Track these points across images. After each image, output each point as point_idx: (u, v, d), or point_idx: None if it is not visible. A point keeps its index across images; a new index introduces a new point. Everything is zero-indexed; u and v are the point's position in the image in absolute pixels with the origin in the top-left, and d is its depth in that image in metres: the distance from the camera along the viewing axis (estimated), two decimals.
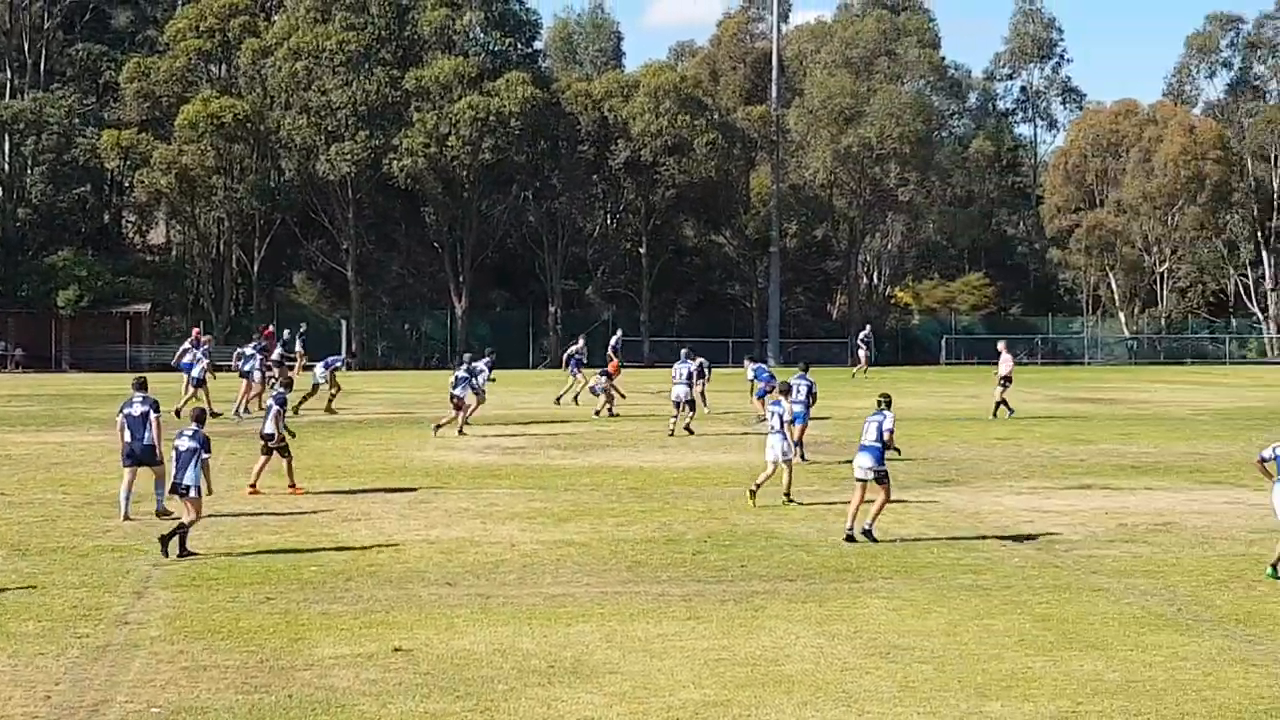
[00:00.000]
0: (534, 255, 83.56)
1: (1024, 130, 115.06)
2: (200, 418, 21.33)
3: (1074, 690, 13.42)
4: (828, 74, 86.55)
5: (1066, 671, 14.05)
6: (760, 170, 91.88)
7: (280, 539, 21.28)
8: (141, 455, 22.67)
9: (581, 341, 47.78)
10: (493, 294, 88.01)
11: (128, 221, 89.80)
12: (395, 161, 75.27)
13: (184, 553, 19.68)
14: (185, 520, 20.04)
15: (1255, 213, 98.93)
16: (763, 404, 41.49)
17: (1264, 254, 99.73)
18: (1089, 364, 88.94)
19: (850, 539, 20.91)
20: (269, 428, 25.63)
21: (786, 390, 26.46)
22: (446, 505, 24.52)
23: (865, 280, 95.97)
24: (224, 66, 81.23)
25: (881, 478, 21.02)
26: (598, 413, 42.16)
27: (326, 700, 13.15)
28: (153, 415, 22.69)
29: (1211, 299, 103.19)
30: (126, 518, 22.71)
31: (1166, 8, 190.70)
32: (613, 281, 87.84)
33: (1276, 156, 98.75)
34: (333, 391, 42.29)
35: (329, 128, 76.29)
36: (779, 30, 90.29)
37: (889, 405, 21.61)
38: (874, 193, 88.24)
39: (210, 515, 22.37)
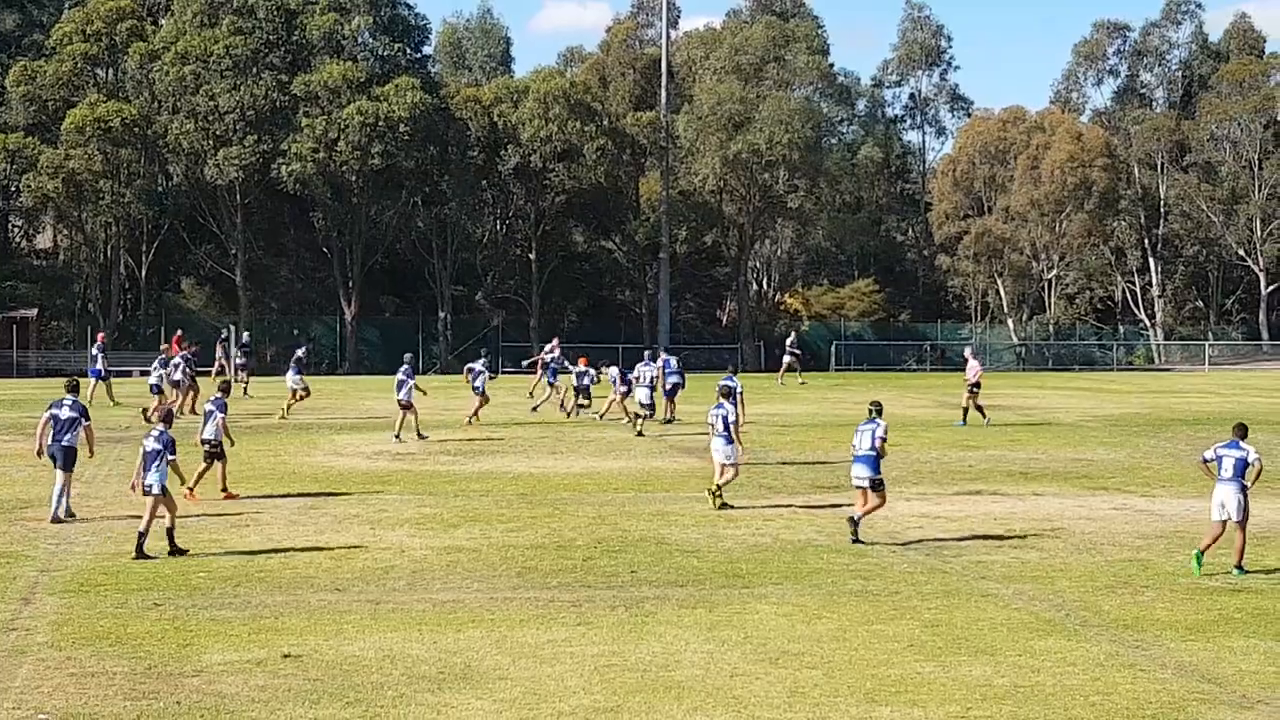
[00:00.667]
0: (423, 261, 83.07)
1: (913, 137, 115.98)
2: (168, 418, 21.53)
3: (963, 695, 13.45)
4: (717, 80, 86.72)
5: (955, 677, 14.08)
6: (650, 176, 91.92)
7: (168, 544, 20.93)
8: (59, 457, 22.83)
9: (555, 343, 48.10)
10: (382, 299, 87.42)
11: (14, 226, 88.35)
12: (284, 166, 74.54)
13: (176, 552, 20.00)
14: (165, 522, 20.23)
15: (1142, 220, 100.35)
16: (672, 403, 41.99)
17: (1151, 261, 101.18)
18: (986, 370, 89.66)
19: (856, 540, 21.25)
20: (209, 433, 25.55)
21: (728, 393, 26.29)
22: (336, 511, 24.28)
23: (755, 286, 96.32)
24: (111, 70, 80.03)
25: (876, 485, 21.42)
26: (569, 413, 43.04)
27: (215, 707, 12.97)
28: (83, 422, 23.03)
29: (1099, 306, 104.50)
30: (58, 519, 22.73)
31: (1054, 16, 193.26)
32: (502, 287, 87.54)
33: (1162, 164, 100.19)
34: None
35: (217, 132, 75.42)
36: (668, 36, 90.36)
37: (880, 413, 21.93)
38: (763, 199, 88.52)
39: (101, 518, 22.02)
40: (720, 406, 25.23)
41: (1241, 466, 19.42)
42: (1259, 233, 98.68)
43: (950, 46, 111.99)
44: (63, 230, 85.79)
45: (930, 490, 27.50)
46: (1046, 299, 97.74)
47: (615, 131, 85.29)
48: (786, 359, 62.58)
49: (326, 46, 77.84)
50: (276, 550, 20.55)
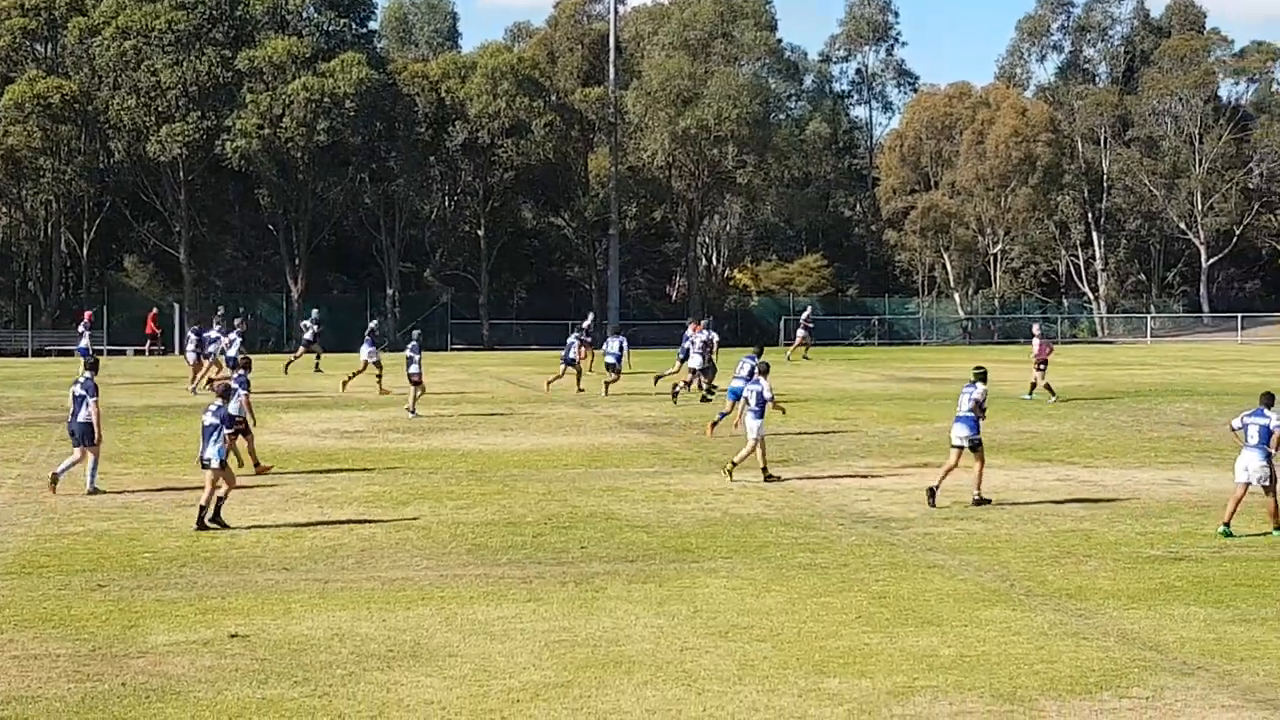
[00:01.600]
0: (371, 238, 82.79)
1: (860, 112, 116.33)
2: (226, 393, 21.89)
3: (910, 666, 13.58)
4: (665, 56, 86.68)
5: (902, 647, 14.21)
6: (599, 152, 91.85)
7: (113, 525, 20.89)
8: (77, 433, 23.68)
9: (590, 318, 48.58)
10: (329, 277, 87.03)
11: None
12: (228, 143, 74.10)
13: (215, 523, 20.37)
14: (219, 493, 20.57)
15: (1085, 194, 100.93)
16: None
17: (1094, 235, 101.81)
18: (925, 344, 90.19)
19: (931, 495, 22.31)
20: (232, 409, 25.14)
21: (764, 370, 26.48)
22: (283, 490, 24.23)
23: (704, 262, 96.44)
24: (50, 46, 79.37)
25: (975, 445, 22.43)
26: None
27: (161, 688, 12.93)
28: (90, 400, 23.57)
29: (1044, 279, 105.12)
30: (95, 490, 23.49)
31: None
32: (451, 264, 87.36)
33: (1105, 139, 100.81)
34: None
35: (159, 108, 74.91)
36: (616, 12, 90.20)
37: (984, 378, 23.24)
38: (712, 174, 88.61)
39: (43, 498, 21.90)
40: (756, 382, 25.69)
41: (1266, 434, 20.06)
42: (1199, 206, 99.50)
43: (897, 22, 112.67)
44: (2, 208, 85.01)
45: (878, 464, 27.67)
46: (992, 273, 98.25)
47: (564, 107, 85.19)
48: (800, 333, 62.82)
49: (271, 21, 77.39)
50: (223, 530, 20.49)
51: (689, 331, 43.43)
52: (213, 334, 46.06)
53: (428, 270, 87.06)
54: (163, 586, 16.94)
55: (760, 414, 25.21)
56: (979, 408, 22.75)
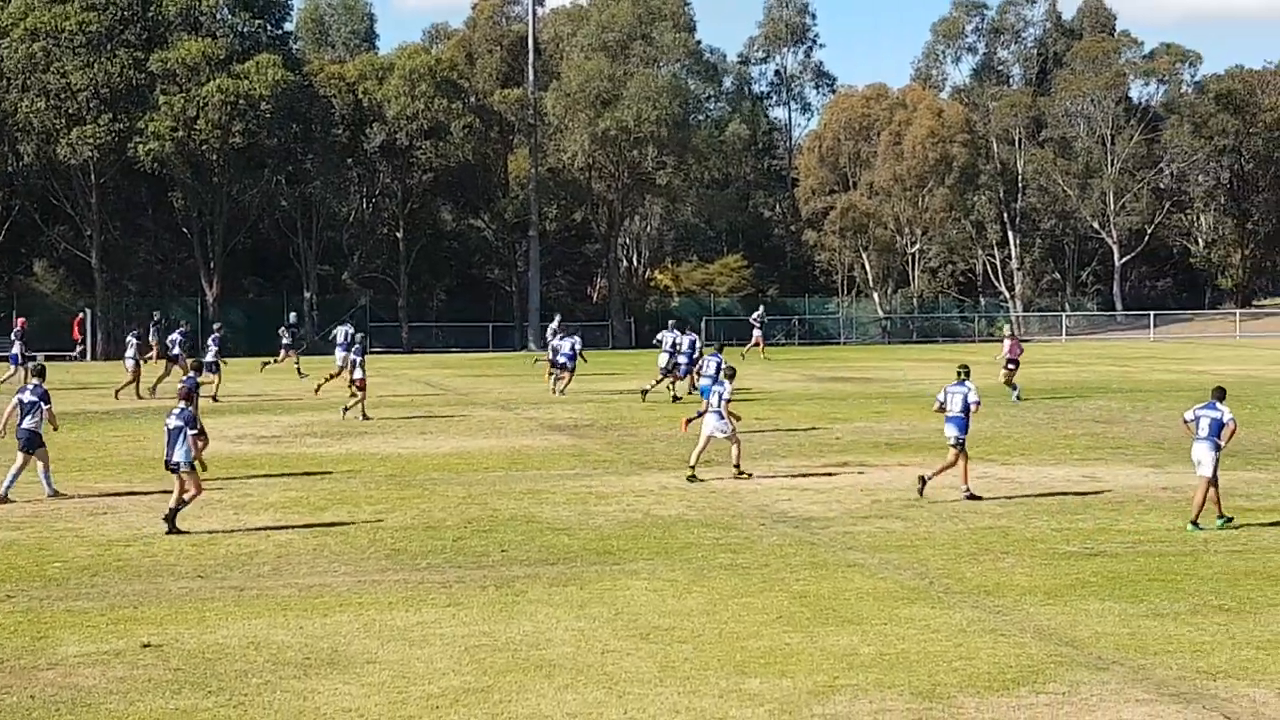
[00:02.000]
0: (288, 240, 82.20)
1: (779, 114, 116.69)
2: (189, 395, 21.85)
3: (830, 665, 13.61)
4: (584, 57, 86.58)
5: (823, 647, 14.24)
6: (518, 153, 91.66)
7: (22, 534, 20.63)
8: (22, 440, 23.61)
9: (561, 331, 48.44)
10: (245, 280, 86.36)
11: None
12: (141, 145, 73.28)
13: (172, 529, 20.32)
14: (184, 496, 20.65)
15: (1001, 194, 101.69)
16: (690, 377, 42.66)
17: (1010, 234, 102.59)
18: (845, 343, 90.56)
19: (973, 497, 23.07)
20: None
21: (731, 374, 27.23)
22: (197, 497, 23.97)
23: (625, 263, 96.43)
24: None
25: (958, 445, 23.15)
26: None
27: (71, 700, 12.76)
28: (43, 406, 23.69)
29: (961, 278, 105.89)
30: (5, 500, 23.40)
31: None
32: (369, 266, 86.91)
33: (1020, 139, 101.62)
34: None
35: (70, 110, 73.95)
36: (535, 13, 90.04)
37: (968, 376, 24.17)
38: (632, 176, 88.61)
39: None
40: (720, 384, 26.29)
41: (1217, 426, 20.79)
42: (1112, 206, 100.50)
43: (815, 24, 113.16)
44: None
45: (799, 463, 27.74)
46: (910, 272, 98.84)
47: (483, 109, 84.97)
48: (757, 333, 63.21)
49: (184, 23, 76.61)
50: (136, 538, 20.27)
51: (674, 336, 43.48)
52: (176, 336, 47.64)
53: (345, 273, 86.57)
54: (73, 596, 16.73)
55: (720, 412, 25.73)
56: (974, 407, 23.69)
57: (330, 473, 26.76)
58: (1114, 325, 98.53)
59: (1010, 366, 42.50)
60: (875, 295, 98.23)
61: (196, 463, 20.90)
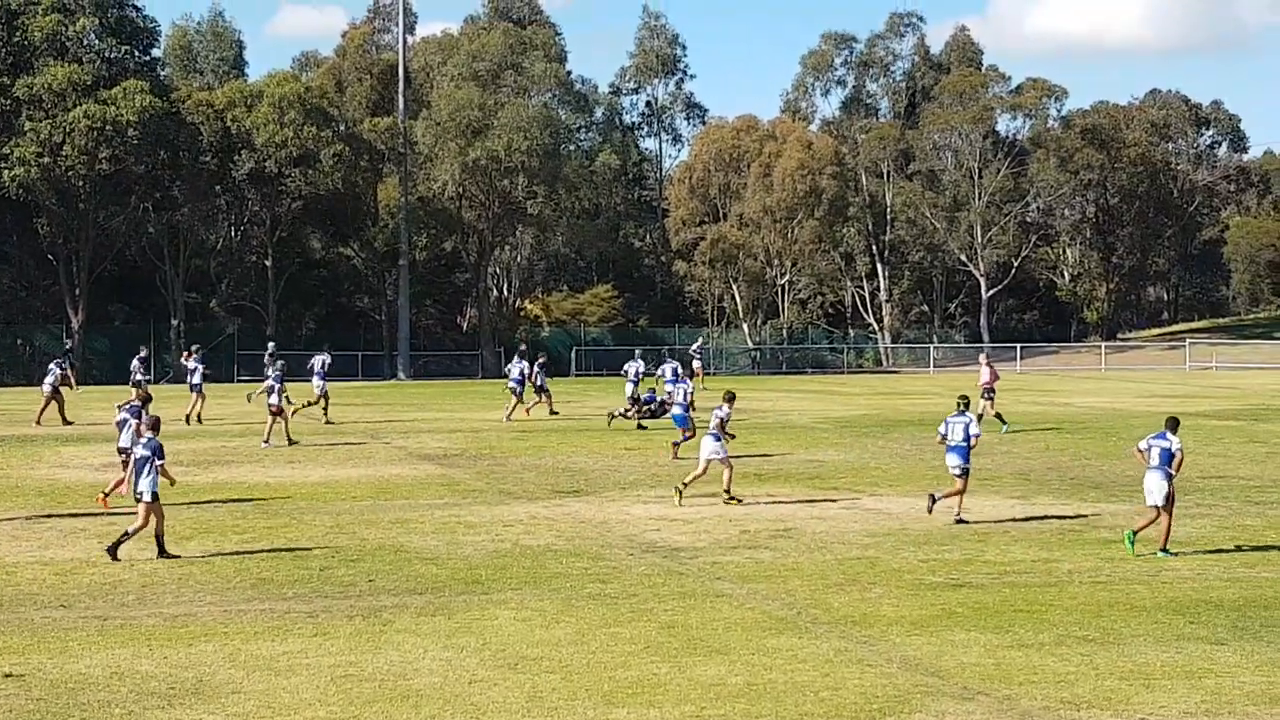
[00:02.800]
0: (155, 268, 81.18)
1: (650, 144, 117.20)
2: (155, 425, 21.77)
3: (698, 695, 13.64)
4: (455, 87, 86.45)
5: (691, 677, 14.27)
6: (388, 182, 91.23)
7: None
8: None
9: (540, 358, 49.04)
10: (111, 307, 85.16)
11: None
12: (6, 171, 72.09)
13: (163, 554, 20.47)
14: (133, 526, 20.56)
15: (870, 226, 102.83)
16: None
17: (879, 266, 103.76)
18: (714, 374, 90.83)
19: (933, 501, 24.05)
20: (124, 441, 25.74)
21: (730, 398, 28.27)
22: (62, 525, 23.61)
23: (495, 292, 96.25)
24: None
25: (963, 473, 23.90)
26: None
27: None
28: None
29: (830, 310, 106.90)
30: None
31: (784, 27, 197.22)
32: (238, 294, 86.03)
33: (889, 172, 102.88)
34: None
35: None
36: (405, 42, 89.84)
37: (968, 407, 25.02)
38: (503, 205, 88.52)
39: None
40: (720, 408, 27.36)
41: (1167, 456, 21.41)
42: (979, 239, 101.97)
43: (685, 56, 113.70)
44: None
45: (668, 494, 27.76)
46: (780, 304, 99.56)
47: (352, 137, 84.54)
48: (697, 364, 62.99)
49: (51, 48, 75.49)
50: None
51: (637, 366, 46.74)
52: (191, 364, 46.60)
53: (214, 300, 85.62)
54: None
55: (718, 435, 26.60)
56: (976, 440, 24.31)
57: (196, 502, 26.40)
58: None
59: (988, 396, 42.56)
60: (745, 326, 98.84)
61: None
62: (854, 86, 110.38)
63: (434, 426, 42.52)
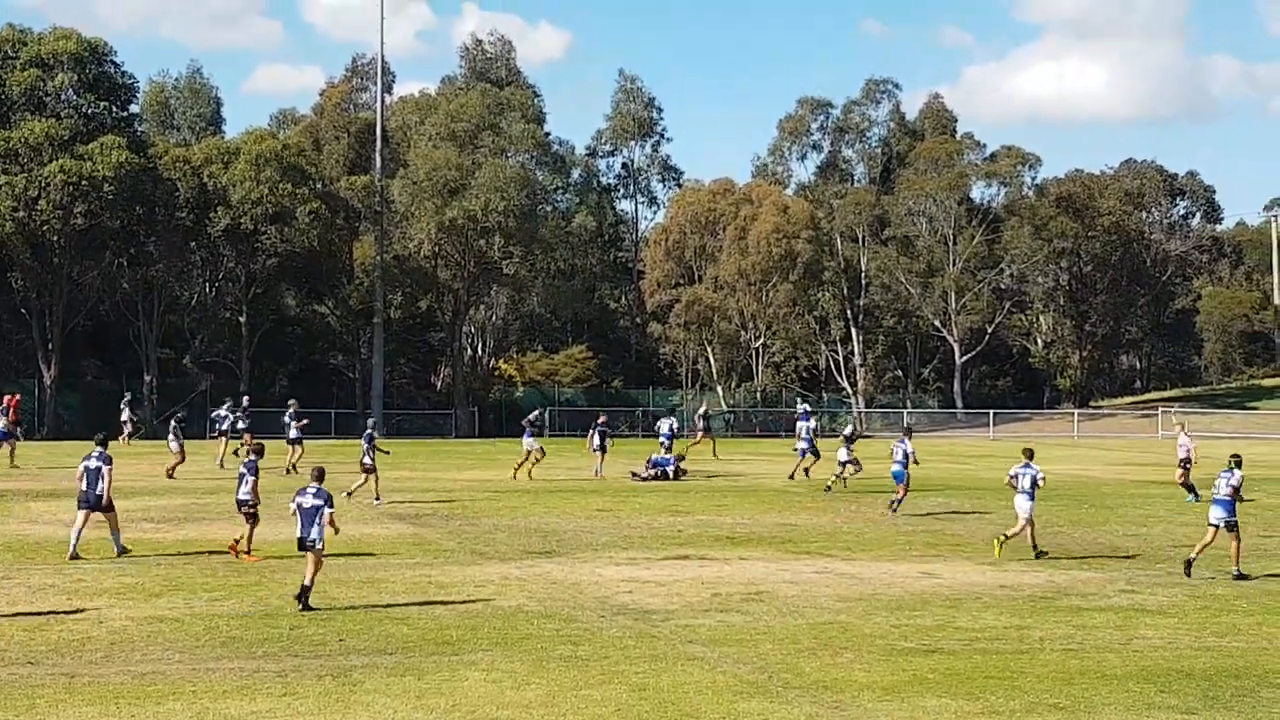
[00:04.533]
0: (128, 323, 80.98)
1: (626, 206, 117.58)
2: (321, 475, 22.26)
3: None
4: (432, 146, 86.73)
5: None
6: (364, 240, 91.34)
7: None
8: (93, 503, 26.51)
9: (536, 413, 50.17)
10: (84, 362, 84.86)
11: None
12: None
13: (305, 607, 20.80)
14: (307, 575, 21.17)
15: (844, 290, 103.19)
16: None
17: (853, 330, 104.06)
18: (687, 436, 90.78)
19: (1188, 566, 25.64)
20: (243, 494, 26.42)
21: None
22: (30, 581, 23.44)
23: (470, 352, 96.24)
24: None
25: (1231, 525, 25.38)
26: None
27: None
28: (105, 469, 26.52)
29: (804, 373, 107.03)
30: (74, 556, 25.94)
31: (761, 92, 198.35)
32: (211, 350, 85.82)
33: (863, 237, 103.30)
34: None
35: None
36: (383, 101, 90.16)
37: (1240, 465, 26.40)
38: (478, 265, 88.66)
39: None
40: (1029, 466, 28.67)
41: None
42: (953, 305, 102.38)
43: (661, 119, 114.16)
44: None
45: (640, 555, 27.73)
46: (754, 367, 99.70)
47: (329, 195, 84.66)
48: (700, 431, 62.33)
49: (28, 103, 75.54)
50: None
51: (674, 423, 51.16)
52: (222, 412, 50.41)
53: (187, 356, 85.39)
54: None
55: (1031, 496, 28.13)
56: (1236, 492, 25.72)
57: (166, 558, 26.27)
58: (954, 423, 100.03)
59: (1185, 466, 41.18)
60: (719, 388, 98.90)
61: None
62: (830, 151, 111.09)
63: (406, 485, 42.40)
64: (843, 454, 42.71)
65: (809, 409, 51.75)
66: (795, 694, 16.32)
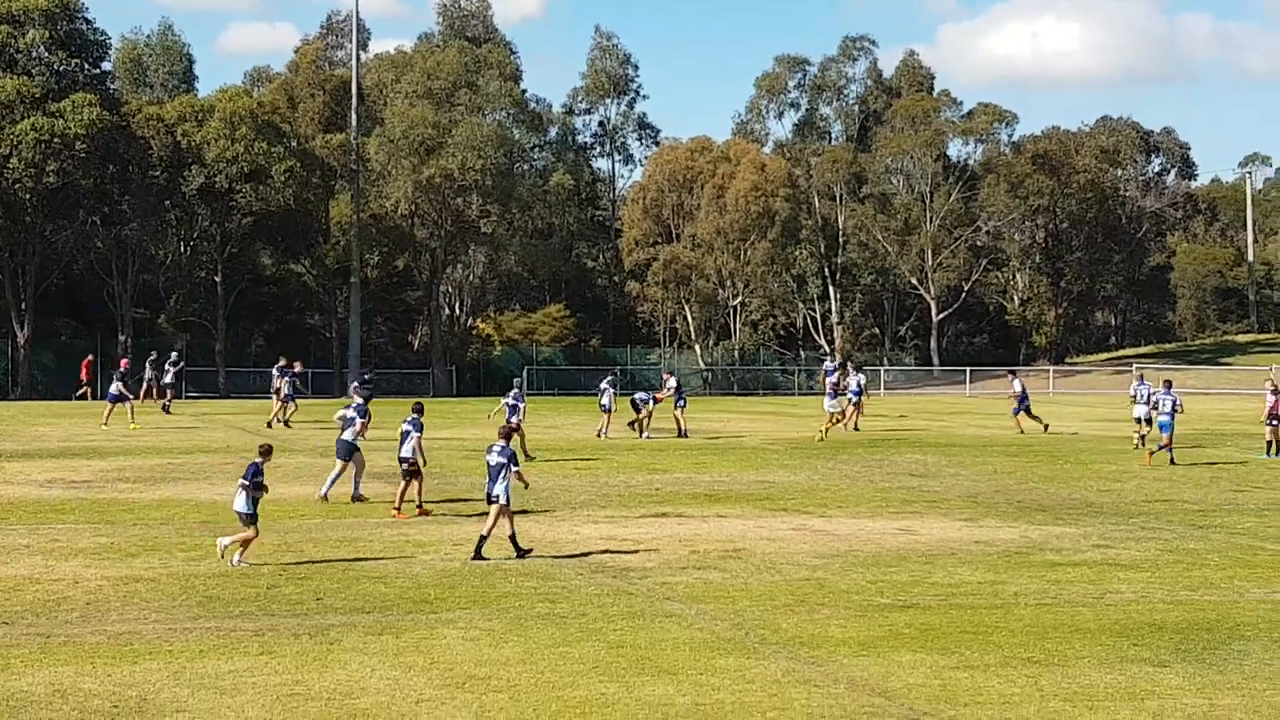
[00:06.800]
0: (102, 283, 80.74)
1: (603, 164, 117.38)
2: (509, 435, 23.26)
3: (645, 715, 13.63)
4: (409, 104, 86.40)
5: (639, 697, 14.26)
6: (340, 199, 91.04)
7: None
8: (342, 450, 28.73)
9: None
10: (58, 322, 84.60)
11: None
12: None
13: (477, 556, 21.76)
14: (485, 529, 22.04)
15: (822, 249, 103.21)
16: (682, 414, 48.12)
17: (830, 289, 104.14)
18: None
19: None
20: (406, 451, 26.95)
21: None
22: (5, 541, 23.41)
23: (447, 311, 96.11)
24: None
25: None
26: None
27: None
28: (359, 420, 28.77)
29: (782, 332, 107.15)
30: (324, 498, 28.45)
31: (738, 49, 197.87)
32: (187, 310, 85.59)
33: (841, 195, 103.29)
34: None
35: None
36: (358, 58, 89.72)
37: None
38: (455, 224, 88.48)
39: None
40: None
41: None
42: (930, 262, 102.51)
43: (637, 76, 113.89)
44: None
45: (618, 513, 27.79)
46: (732, 325, 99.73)
47: (304, 153, 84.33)
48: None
49: None
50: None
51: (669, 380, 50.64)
52: (275, 372, 51.23)
53: (162, 316, 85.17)
54: None
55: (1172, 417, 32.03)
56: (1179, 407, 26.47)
57: (142, 519, 26.25)
58: (931, 380, 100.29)
59: (1274, 423, 41.29)
60: (697, 347, 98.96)
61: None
62: (807, 109, 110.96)
63: (383, 445, 42.35)
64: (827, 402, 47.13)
65: (832, 366, 53.48)
66: (772, 650, 16.39)
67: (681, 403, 49.16)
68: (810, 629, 17.47)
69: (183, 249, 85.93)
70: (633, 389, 50.10)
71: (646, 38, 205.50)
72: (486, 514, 22.10)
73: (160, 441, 42.90)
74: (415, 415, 27.57)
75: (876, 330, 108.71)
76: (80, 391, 68.86)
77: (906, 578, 21.02)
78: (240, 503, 21.32)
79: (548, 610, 18.40)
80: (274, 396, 51.37)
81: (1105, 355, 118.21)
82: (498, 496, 21.82)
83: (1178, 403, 38.23)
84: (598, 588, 20.02)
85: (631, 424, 47.47)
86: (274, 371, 51.33)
